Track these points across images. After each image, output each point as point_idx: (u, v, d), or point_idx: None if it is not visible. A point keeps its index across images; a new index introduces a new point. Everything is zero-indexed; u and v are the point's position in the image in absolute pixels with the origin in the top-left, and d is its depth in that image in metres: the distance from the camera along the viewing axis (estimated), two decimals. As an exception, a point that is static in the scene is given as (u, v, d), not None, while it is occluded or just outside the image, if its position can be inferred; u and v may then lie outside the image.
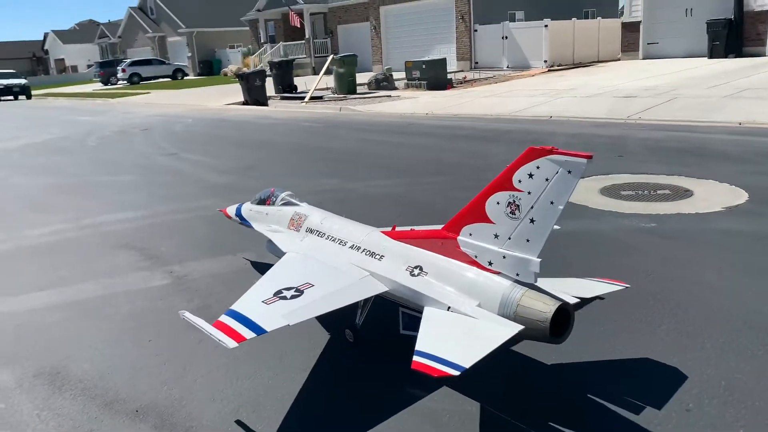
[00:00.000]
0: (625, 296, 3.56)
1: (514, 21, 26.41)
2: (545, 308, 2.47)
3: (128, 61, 44.02)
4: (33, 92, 38.41)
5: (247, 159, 9.64)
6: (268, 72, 24.55)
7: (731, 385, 2.75)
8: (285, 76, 23.54)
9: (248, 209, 4.22)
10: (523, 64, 24.55)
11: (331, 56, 23.80)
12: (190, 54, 47.22)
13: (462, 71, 25.07)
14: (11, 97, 35.64)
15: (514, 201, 2.61)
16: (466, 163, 8.05)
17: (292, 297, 2.87)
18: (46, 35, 67.58)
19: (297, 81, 24.20)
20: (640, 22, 22.94)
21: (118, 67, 43.24)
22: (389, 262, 3.07)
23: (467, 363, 2.29)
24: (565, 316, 2.52)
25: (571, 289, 2.89)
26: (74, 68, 60.96)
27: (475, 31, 26.74)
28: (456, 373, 2.25)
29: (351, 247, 3.31)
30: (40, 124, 18.24)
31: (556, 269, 4.04)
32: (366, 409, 2.76)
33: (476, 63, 26.69)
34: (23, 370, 3.29)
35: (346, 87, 21.05)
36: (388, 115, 14.86)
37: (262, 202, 4.14)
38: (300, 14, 34.47)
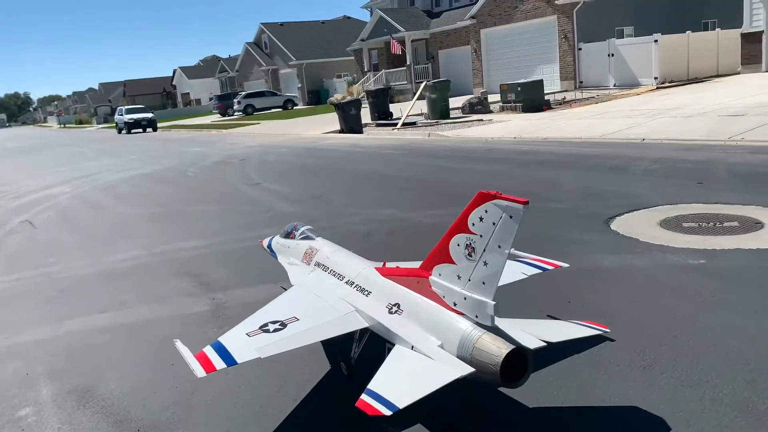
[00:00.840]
0: (639, 338, 3.45)
1: (623, 37, 25.44)
2: (498, 352, 2.46)
3: (243, 93, 47.08)
4: (159, 124, 42.14)
5: (318, 188, 10.05)
6: (366, 100, 25.40)
7: (715, 441, 2.57)
8: (381, 103, 24.23)
9: (276, 242, 4.48)
10: (631, 82, 23.57)
11: (424, 83, 24.18)
12: (300, 85, 49.68)
13: (566, 91, 24.53)
14: (140, 130, 39.27)
15: (470, 243, 2.64)
16: (528, 192, 7.91)
17: (275, 330, 3.04)
18: (174, 71, 73.88)
19: (395, 107, 24.77)
20: (762, 31, 21.34)
21: (234, 100, 46.38)
22: (373, 298, 3.17)
23: (401, 404, 2.34)
24: (521, 360, 2.49)
25: (543, 331, 2.84)
26: (198, 101, 66.09)
27: (579, 49, 26.09)
28: (388, 412, 2.31)
29: (346, 282, 3.44)
30: (155, 155, 19.96)
31: (562, 309, 3.97)
32: (336, 441, 2.85)
33: (581, 82, 26.00)
34: (61, 386, 3.70)
35: (439, 112, 21.32)
36: (474, 140, 14.86)
37: (287, 235, 4.38)
38: (402, 41, 35.34)
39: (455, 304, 2.72)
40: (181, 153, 19.62)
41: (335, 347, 3.68)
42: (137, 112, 41.26)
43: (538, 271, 3.67)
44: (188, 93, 69.92)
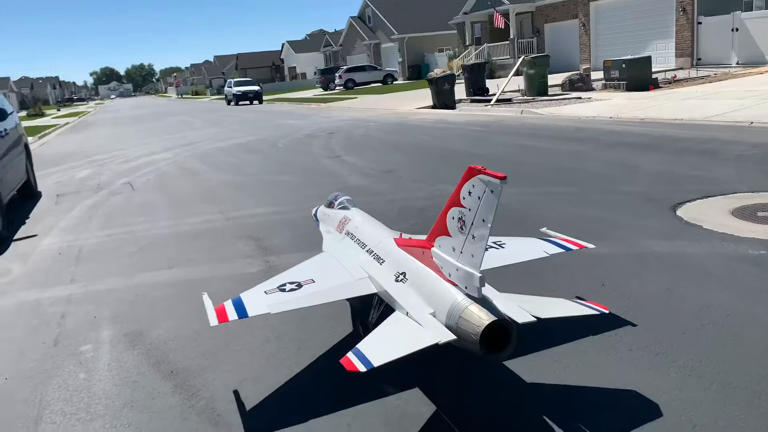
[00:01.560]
0: (662, 325, 3.40)
1: (751, 10, 23.28)
2: (479, 322, 2.53)
3: (344, 67, 47.89)
4: (266, 97, 43.89)
5: (393, 163, 10.21)
6: (462, 75, 25.10)
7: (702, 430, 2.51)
8: (476, 78, 23.84)
9: (320, 211, 4.71)
10: (757, 60, 21.57)
11: (522, 57, 23.51)
12: (400, 59, 49.80)
13: (680, 69, 22.97)
14: (247, 102, 41.11)
15: (462, 216, 2.71)
16: (606, 175, 7.66)
17: (290, 290, 3.26)
18: (283, 45, 76.33)
19: (494, 83, 24.33)
20: None
21: (336, 74, 47.34)
22: (386, 266, 3.31)
23: (377, 362, 2.48)
24: (504, 332, 2.55)
25: (537, 307, 2.85)
26: (303, 75, 68.01)
27: (699, 23, 24.22)
28: (363, 369, 2.46)
29: (366, 250, 3.60)
30: (253, 126, 20.94)
31: (594, 291, 3.91)
32: (336, 398, 3.04)
33: (698, 59, 24.21)
34: (120, 330, 4.16)
35: (536, 89, 20.74)
36: (566, 118, 14.42)
37: (329, 204, 4.59)
38: (506, 14, 34.42)
39: (450, 275, 2.81)
40: (278, 125, 20.43)
41: (357, 311, 3.88)
42: (245, 84, 43.17)
43: (561, 250, 3.65)
44: (294, 67, 72.09)
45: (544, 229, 4.05)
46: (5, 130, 8.72)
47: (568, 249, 3.67)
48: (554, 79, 22.24)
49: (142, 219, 7.67)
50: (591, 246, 3.72)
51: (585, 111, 15.10)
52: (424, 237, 3.39)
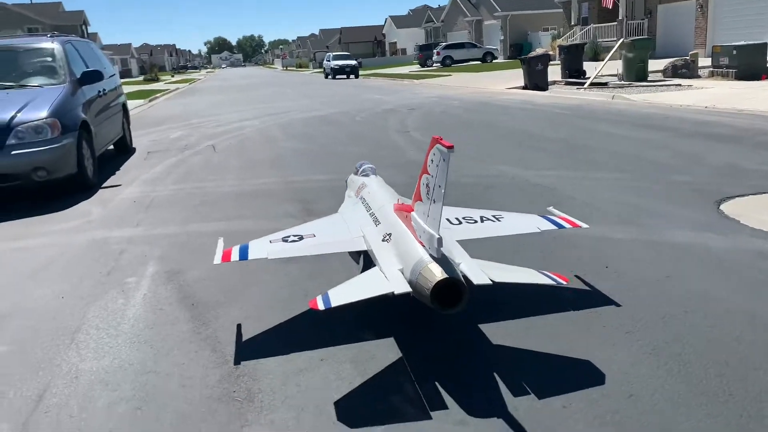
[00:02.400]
0: (646, 309, 3.51)
1: None
2: (433, 278, 2.79)
3: (443, 44, 47.66)
4: (365, 72, 44.59)
5: (458, 140, 10.25)
6: (558, 56, 24.43)
7: (637, 401, 2.65)
8: (573, 60, 23.17)
9: (349, 178, 5.05)
10: None
11: (621, 40, 22.55)
12: (502, 37, 48.84)
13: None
14: (344, 76, 41.96)
15: (428, 183, 2.95)
16: (665, 164, 7.48)
17: (292, 241, 3.64)
18: (386, 20, 76.76)
19: (592, 66, 23.52)
20: None
21: (434, 50, 47.22)
22: (379, 228, 3.61)
23: (334, 303, 2.81)
24: (456, 290, 2.79)
25: (498, 272, 3.06)
26: (403, 51, 68.26)
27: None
28: (322, 307, 2.80)
29: (369, 213, 3.91)
30: (341, 100, 21.57)
31: (596, 272, 4.01)
32: (321, 340, 3.39)
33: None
34: (161, 267, 4.73)
35: (635, 73, 19.91)
36: (658, 106, 13.88)
37: (356, 172, 4.93)
38: (616, -7, 32.95)
39: (420, 237, 3.07)
40: (363, 100, 20.91)
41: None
42: (342, 59, 44.07)
43: (554, 227, 3.78)
44: (395, 42, 72.45)
45: (550, 208, 4.18)
46: (104, 90, 9.68)
47: (561, 227, 3.80)
48: (660, 64, 21.19)
49: (213, 178, 8.35)
50: (585, 225, 3.82)
51: (681, 99, 14.42)
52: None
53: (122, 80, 12.47)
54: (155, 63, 71.36)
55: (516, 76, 23.94)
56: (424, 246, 3.02)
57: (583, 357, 3.04)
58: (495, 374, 2.93)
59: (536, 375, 2.91)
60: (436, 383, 2.88)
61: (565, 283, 3.09)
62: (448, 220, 3.83)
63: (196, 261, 4.85)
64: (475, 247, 3.41)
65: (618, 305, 3.58)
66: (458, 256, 3.12)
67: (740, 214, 5.26)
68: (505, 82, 23.98)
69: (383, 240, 3.42)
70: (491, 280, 2.91)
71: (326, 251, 3.66)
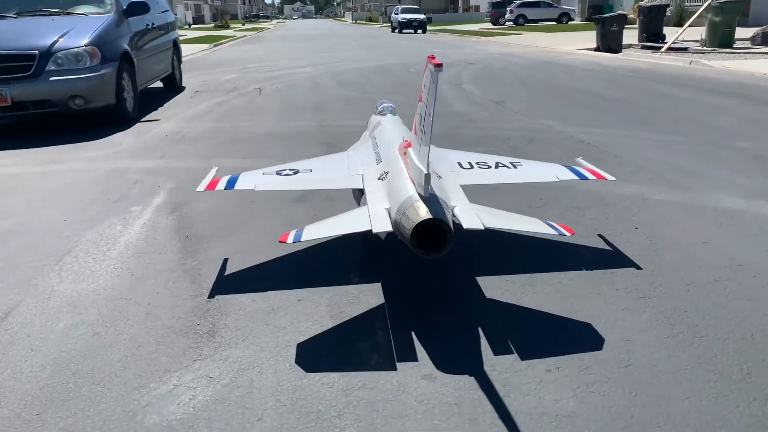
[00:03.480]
0: (671, 274, 3.14)
1: None
2: (416, 218, 2.49)
3: (517, 2, 45.63)
4: (434, 28, 43.37)
5: (509, 95, 9.80)
6: (638, 17, 22.90)
7: (634, 371, 2.30)
8: (653, 23, 21.56)
9: (371, 118, 4.74)
10: None
11: (708, 2, 20.85)
12: (581, -2, 46.35)
13: None
14: (411, 31, 40.93)
15: (421, 112, 2.63)
16: (727, 129, 6.79)
17: (285, 174, 3.40)
18: (460, -23, 74.18)
19: (672, 31, 21.95)
20: None
21: (507, 8, 45.32)
22: (380, 166, 3.31)
23: (306, 237, 2.57)
24: (440, 232, 2.49)
25: (497, 219, 2.73)
26: (477, 8, 65.97)
27: None
28: (291, 241, 2.57)
29: (374, 151, 3.62)
30: (401, 52, 21.05)
31: (623, 234, 3.61)
32: (301, 279, 3.17)
33: None
34: (170, 199, 4.62)
35: (719, 39, 18.35)
36: (737, 73, 12.74)
37: (376, 111, 4.62)
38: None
39: (412, 174, 2.76)
40: (425, 52, 20.24)
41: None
42: (411, 12, 42.89)
43: (576, 177, 3.38)
44: (469, -1, 70.09)
45: (579, 159, 3.77)
46: (152, 23, 9.61)
47: (583, 177, 3.39)
48: (750, 33, 19.53)
49: (251, 118, 8.20)
50: (611, 178, 3.40)
51: (763, 68, 13.19)
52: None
53: (195, 26, 12.34)
54: (227, 10, 71.85)
55: (590, 38, 22.57)
56: (414, 184, 2.71)
57: (584, 319, 2.69)
58: (479, 329, 2.63)
59: (525, 334, 2.59)
60: (412, 333, 2.62)
61: (569, 234, 2.73)
62: (459, 164, 3.49)
63: (204, 195, 4.65)
64: (496, 199, 3.08)
65: (639, 268, 3.19)
66: (455, 199, 2.80)
67: (807, 184, 4.66)
68: (576, 43, 22.72)
69: (379, 178, 3.13)
70: (484, 226, 2.59)
71: (319, 187, 3.43)
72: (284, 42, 31.40)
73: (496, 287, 3.01)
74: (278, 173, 3.43)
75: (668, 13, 24.30)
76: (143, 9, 8.80)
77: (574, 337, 2.57)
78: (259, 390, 2.27)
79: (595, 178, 3.40)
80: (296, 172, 3.44)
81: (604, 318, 2.70)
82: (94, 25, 7.70)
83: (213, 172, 3.51)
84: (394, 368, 2.37)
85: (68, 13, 8.24)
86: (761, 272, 3.10)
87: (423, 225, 2.46)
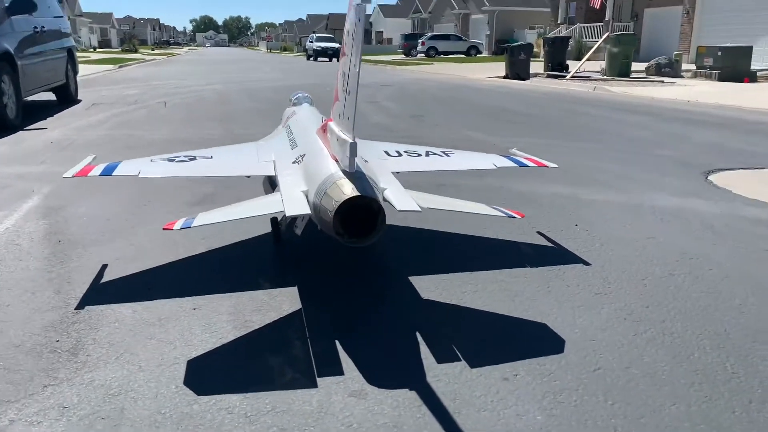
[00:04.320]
0: (623, 270, 2.81)
1: None
2: (340, 197, 2.02)
3: (429, 35, 46.80)
4: (345, 57, 43.42)
5: (426, 110, 9.60)
6: (542, 48, 23.79)
7: (606, 376, 1.90)
8: (557, 53, 22.42)
9: (284, 111, 4.26)
10: None
11: (606, 34, 21.99)
12: (488, 32, 48.19)
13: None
14: (326, 59, 40.84)
15: (343, 68, 2.19)
16: (646, 139, 6.81)
17: (180, 161, 2.84)
18: (374, 9, 75.61)
19: (574, 64, 22.91)
20: None
21: (419, 41, 46.31)
22: (294, 151, 2.82)
23: (196, 224, 2.06)
24: (369, 215, 2.03)
25: (435, 201, 2.31)
26: (389, 40, 67.19)
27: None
28: (178, 228, 2.05)
29: (288, 137, 3.13)
30: (315, 74, 20.74)
31: (564, 231, 3.29)
32: (199, 281, 2.61)
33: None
34: (49, 204, 3.89)
35: (618, 69, 19.24)
36: (638, 97, 13.23)
37: (290, 102, 4.16)
38: (605, -6, 32.41)
39: (333, 150, 2.30)
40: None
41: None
42: (326, 41, 42.94)
43: (513, 165, 3.03)
44: (382, 31, 71.38)
45: (513, 150, 3.44)
46: (42, 27, 8.68)
47: (522, 165, 3.05)
48: (643, 66, 20.67)
49: (150, 128, 7.46)
50: (552, 165, 3.09)
51: (662, 94, 13.82)
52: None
53: (100, 49, 11.37)
54: (136, 36, 69.19)
55: (499, 68, 23.22)
56: (336, 161, 2.25)
57: (538, 319, 2.29)
58: (417, 334, 2.16)
59: (472, 338, 2.15)
60: (336, 342, 2.11)
61: (518, 217, 2.34)
62: (386, 152, 3.06)
63: (85, 197, 4.01)
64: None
65: (587, 263, 2.85)
66: (386, 182, 2.35)
67: (731, 184, 4.59)
68: (486, 72, 23.26)
69: (294, 162, 2.64)
70: (420, 207, 2.15)
71: (218, 174, 2.89)
72: (196, 65, 30.32)
73: (432, 287, 2.56)
74: (170, 160, 2.86)
75: (569, 47, 25.41)
76: (28, 7, 7.91)
77: (530, 339, 2.16)
78: (131, 421, 1.68)
79: (535, 165, 3.07)
80: (193, 158, 2.89)
81: (559, 317, 2.31)
82: (-32, 20, 6.78)
83: (89, 159, 2.90)
84: (314, 385, 1.86)
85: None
86: (716, 265, 2.84)
87: (349, 203, 1.99)
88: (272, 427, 1.66)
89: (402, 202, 2.15)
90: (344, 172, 2.13)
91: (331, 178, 2.13)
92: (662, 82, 17.45)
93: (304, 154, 2.63)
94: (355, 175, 2.10)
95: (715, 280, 2.67)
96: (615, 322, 2.27)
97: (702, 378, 1.89)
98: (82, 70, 18.51)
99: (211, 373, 1.93)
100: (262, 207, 2.26)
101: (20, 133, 6.89)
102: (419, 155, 3.07)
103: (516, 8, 46.63)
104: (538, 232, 3.31)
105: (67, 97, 10.20)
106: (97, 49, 50.87)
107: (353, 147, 2.05)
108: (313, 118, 3.39)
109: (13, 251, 3.01)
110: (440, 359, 2.00)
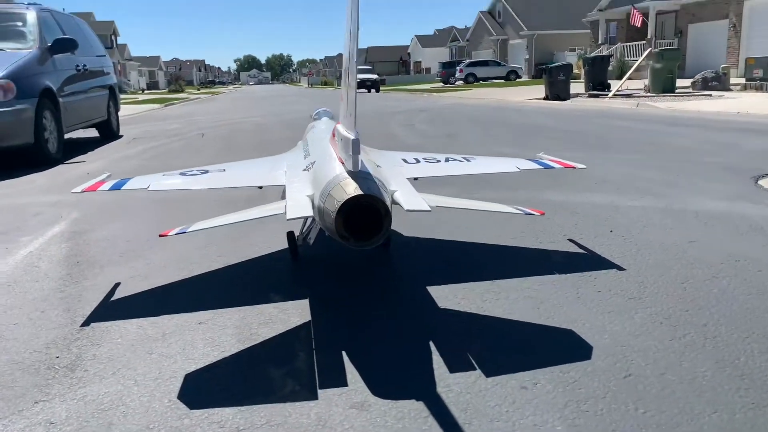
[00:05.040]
0: (658, 274, 2.56)
1: None
2: (342, 197, 1.90)
3: (466, 62, 46.93)
4: (388, 88, 43.91)
5: (460, 130, 9.49)
6: (582, 68, 23.47)
7: (638, 383, 1.70)
8: (598, 73, 22.04)
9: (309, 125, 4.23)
10: None
11: (648, 50, 21.54)
12: (527, 56, 48.00)
13: None
14: (365, 90, 41.33)
15: (347, 65, 2.08)
16: (691, 148, 6.50)
17: (192, 175, 2.79)
18: (411, 39, 76.59)
19: (616, 84, 22.51)
20: None
21: (457, 68, 46.45)
22: (307, 159, 2.74)
23: (196, 228, 1.99)
24: (375, 216, 1.90)
25: (448, 201, 2.17)
26: (428, 70, 67.70)
27: None
28: (174, 233, 1.98)
29: (304, 150, 3.06)
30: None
31: (597, 238, 3.09)
32: (207, 297, 2.52)
33: None
34: (74, 228, 3.91)
35: (662, 85, 18.71)
36: (684, 111, 12.80)
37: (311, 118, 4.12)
38: (645, 12, 31.85)
39: (340, 151, 2.20)
40: (378, 105, 20.20)
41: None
42: (364, 72, 43.44)
43: (538, 167, 2.86)
44: (420, 61, 72.07)
45: (540, 154, 3.27)
46: (84, 65, 9.02)
47: (548, 167, 2.88)
48: (688, 83, 20.12)
49: (187, 157, 7.57)
50: (581, 166, 2.90)
51: (710, 107, 13.34)
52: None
53: (148, 91, 11.81)
54: (182, 77, 71.93)
55: (538, 90, 23.01)
56: (342, 163, 2.14)
57: (564, 326, 2.11)
58: (430, 342, 2.01)
59: (490, 346, 1.98)
60: (342, 353, 1.97)
61: (538, 215, 2.18)
62: (404, 160, 2.95)
63: (108, 221, 4.03)
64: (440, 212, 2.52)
65: (621, 269, 2.64)
66: (396, 185, 2.23)
67: (785, 190, 4.28)
68: (526, 95, 23.05)
69: (304, 170, 2.55)
70: (429, 206, 2.01)
71: (229, 185, 2.83)
72: (238, 101, 31.13)
73: (451, 296, 2.40)
74: (182, 174, 2.82)
75: (610, 67, 24.99)
76: (70, 46, 8.22)
77: (553, 346, 1.97)
78: (117, 437, 1.58)
79: (561, 167, 2.89)
80: (205, 172, 2.84)
81: (588, 323, 2.11)
82: (13, 59, 7.07)
83: (103, 176, 2.87)
84: (315, 397, 1.72)
85: (-12, 49, 7.59)
86: (765, 267, 2.59)
87: (351, 203, 1.88)
88: (264, 441, 1.53)
89: (411, 201, 2.02)
90: (349, 172, 2.03)
91: (335, 179, 2.02)
92: (710, 95, 16.91)
93: (315, 161, 2.53)
94: (360, 175, 1.99)
95: (765, 282, 2.42)
96: (650, 326, 2.06)
97: (749, 383, 1.67)
98: (129, 109, 19.24)
99: (207, 387, 1.82)
100: (263, 211, 2.17)
101: (60, 166, 7.08)
102: (438, 161, 2.94)
103: (554, 31, 46.37)
104: (570, 239, 3.11)
105: (108, 132, 10.52)
106: (145, 91, 52.98)
107: (356, 144, 1.94)
108: (329, 129, 3.31)
109: (31, 273, 3.00)
110: (453, 369, 1.83)
